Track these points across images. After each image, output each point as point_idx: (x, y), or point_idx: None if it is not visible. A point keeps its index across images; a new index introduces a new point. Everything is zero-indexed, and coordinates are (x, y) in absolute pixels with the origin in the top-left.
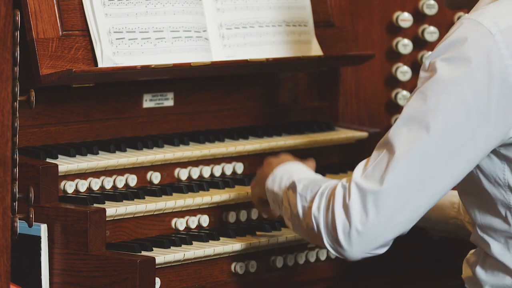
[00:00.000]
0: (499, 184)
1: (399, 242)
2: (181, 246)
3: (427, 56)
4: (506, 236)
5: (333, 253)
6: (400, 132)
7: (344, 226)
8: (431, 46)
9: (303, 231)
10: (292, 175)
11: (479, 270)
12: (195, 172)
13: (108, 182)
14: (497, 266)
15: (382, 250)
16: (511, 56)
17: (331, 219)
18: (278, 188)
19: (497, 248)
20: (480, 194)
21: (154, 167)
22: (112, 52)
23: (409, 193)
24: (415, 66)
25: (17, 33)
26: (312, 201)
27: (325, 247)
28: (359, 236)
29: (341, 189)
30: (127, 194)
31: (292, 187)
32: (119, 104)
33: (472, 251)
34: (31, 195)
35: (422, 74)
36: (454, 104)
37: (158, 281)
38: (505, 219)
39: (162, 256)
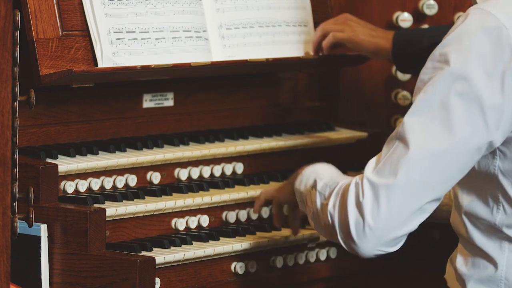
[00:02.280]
0: (490, 176)
1: None
2: (181, 246)
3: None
4: (486, 224)
5: (346, 249)
6: (412, 125)
7: (357, 222)
8: None
9: (321, 228)
10: (318, 174)
11: (460, 265)
12: (195, 172)
13: (108, 182)
14: (479, 255)
15: (394, 248)
16: None
17: (345, 216)
18: (304, 187)
19: (478, 236)
20: (471, 182)
21: (154, 167)
22: (112, 52)
23: (421, 187)
24: None
25: (17, 33)
26: (329, 198)
27: (340, 243)
28: (371, 231)
29: (353, 186)
30: (127, 194)
31: (314, 185)
32: (119, 104)
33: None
34: (31, 195)
35: (430, 64)
36: (467, 99)
37: (158, 281)
38: (491, 209)
39: (162, 256)
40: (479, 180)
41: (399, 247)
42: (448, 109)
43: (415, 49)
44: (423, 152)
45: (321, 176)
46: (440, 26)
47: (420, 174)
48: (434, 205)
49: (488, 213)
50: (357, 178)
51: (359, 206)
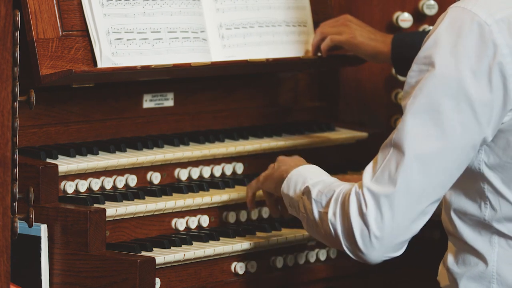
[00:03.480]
0: (475, 172)
1: None
2: (181, 246)
3: (422, 48)
4: (476, 220)
5: (352, 257)
6: (405, 131)
7: (362, 233)
8: None
9: (321, 236)
10: (306, 179)
11: (451, 264)
12: (195, 173)
13: (108, 182)
14: (468, 252)
15: (400, 252)
16: (507, 46)
17: (348, 226)
18: (293, 193)
19: (467, 232)
20: (457, 179)
21: (154, 167)
22: (111, 52)
23: (422, 192)
24: None
25: (17, 33)
26: (327, 206)
27: (344, 252)
28: (378, 241)
29: (354, 196)
30: (127, 194)
31: (307, 192)
32: (119, 104)
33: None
34: (31, 195)
35: (416, 67)
36: (457, 99)
37: (158, 281)
38: (479, 205)
39: (162, 256)
40: (464, 177)
41: (403, 250)
42: (439, 111)
43: (414, 52)
44: (419, 157)
45: (310, 181)
46: None
47: (418, 179)
48: (435, 206)
49: (476, 209)
50: (356, 187)
51: (362, 216)
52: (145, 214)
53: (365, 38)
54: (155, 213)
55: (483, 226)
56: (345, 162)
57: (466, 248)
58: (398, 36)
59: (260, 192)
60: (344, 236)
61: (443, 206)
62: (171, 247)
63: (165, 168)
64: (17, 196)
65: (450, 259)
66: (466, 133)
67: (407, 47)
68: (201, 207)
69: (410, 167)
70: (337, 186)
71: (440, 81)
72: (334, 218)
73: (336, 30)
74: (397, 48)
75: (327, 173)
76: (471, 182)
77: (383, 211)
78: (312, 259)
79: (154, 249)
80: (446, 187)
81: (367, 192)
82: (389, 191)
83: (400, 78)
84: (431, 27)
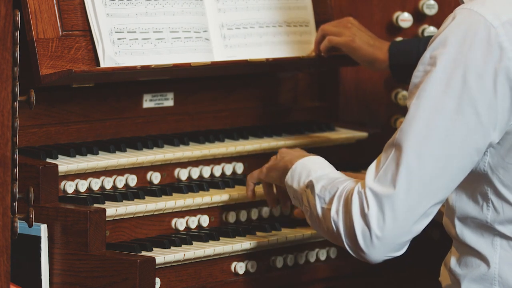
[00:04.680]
0: (480, 174)
1: None
2: (181, 246)
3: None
4: (478, 223)
5: (353, 255)
6: (408, 132)
7: (363, 232)
8: None
9: (323, 231)
10: (310, 172)
11: (454, 265)
12: (195, 172)
13: (108, 182)
14: (471, 254)
15: (401, 252)
16: None
17: (350, 225)
18: (297, 185)
19: (469, 234)
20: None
21: (154, 167)
22: (114, 52)
23: (423, 194)
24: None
25: (17, 33)
26: (330, 203)
27: (345, 248)
28: (379, 241)
29: (356, 195)
30: (127, 194)
31: (310, 186)
32: (119, 104)
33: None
34: (31, 195)
35: (421, 67)
36: (460, 101)
37: (158, 281)
38: (481, 207)
39: (162, 256)
40: (468, 178)
41: (405, 249)
42: (442, 113)
43: (412, 58)
44: (421, 158)
45: (313, 174)
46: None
47: (420, 181)
48: (438, 207)
49: (478, 211)
50: (359, 186)
51: (364, 217)
52: (145, 214)
53: (364, 42)
54: (155, 213)
55: (485, 228)
56: (345, 162)
57: (468, 250)
58: (394, 44)
59: (261, 191)
60: (346, 234)
61: (445, 209)
62: (171, 247)
63: (165, 168)
64: (17, 196)
65: (452, 260)
66: (469, 136)
67: (404, 54)
68: (201, 207)
69: (411, 169)
70: (341, 182)
71: (444, 82)
72: (336, 216)
73: (336, 31)
74: (395, 55)
75: (331, 165)
76: (475, 184)
77: (385, 212)
78: (312, 259)
79: (154, 249)
80: (449, 189)
81: (369, 192)
82: (391, 192)
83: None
84: (431, 27)
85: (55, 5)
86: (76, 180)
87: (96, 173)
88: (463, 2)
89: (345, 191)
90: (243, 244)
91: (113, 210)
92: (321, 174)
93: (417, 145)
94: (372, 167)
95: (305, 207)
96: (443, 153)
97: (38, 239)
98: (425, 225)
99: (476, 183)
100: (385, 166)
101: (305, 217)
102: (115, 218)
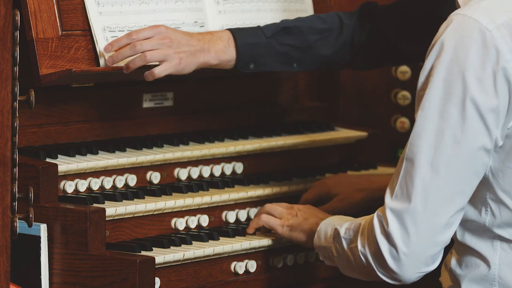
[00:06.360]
0: (483, 178)
1: None
2: (180, 246)
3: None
4: (476, 225)
5: (389, 281)
6: (417, 144)
7: (390, 252)
8: None
9: (356, 271)
10: (334, 224)
11: (454, 266)
12: (194, 172)
13: (107, 182)
14: (471, 254)
15: (434, 265)
16: (510, 51)
17: (376, 249)
18: (325, 240)
19: (469, 237)
20: None
21: (153, 167)
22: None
23: (441, 203)
24: (415, 65)
25: (17, 33)
26: (356, 240)
27: (381, 279)
28: (407, 257)
29: (376, 219)
30: (126, 194)
31: (336, 234)
32: (118, 104)
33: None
34: (30, 195)
35: (423, 78)
36: (464, 107)
37: (158, 281)
38: (479, 211)
39: (162, 256)
40: None
41: (439, 262)
42: (448, 121)
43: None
44: (433, 168)
45: (338, 224)
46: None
47: (436, 190)
48: (460, 216)
49: (476, 215)
50: (377, 211)
51: (387, 235)
52: (144, 214)
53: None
54: (155, 212)
55: (484, 231)
56: (345, 162)
57: (468, 251)
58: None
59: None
60: (375, 261)
61: None
62: (171, 247)
63: (165, 167)
64: (16, 195)
65: (452, 261)
66: (477, 139)
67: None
68: (200, 206)
69: (425, 181)
70: (363, 218)
71: (445, 91)
72: (363, 248)
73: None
74: (245, 54)
75: (350, 217)
76: (477, 189)
77: (407, 227)
78: (312, 259)
79: (153, 248)
80: (466, 194)
81: (388, 211)
82: (409, 206)
83: (400, 77)
84: None
85: (55, 5)
86: (76, 180)
87: (96, 173)
88: (459, 6)
89: (367, 223)
90: (243, 244)
91: (112, 210)
92: (344, 222)
93: (428, 156)
94: (388, 189)
95: (336, 258)
96: (454, 160)
97: (38, 239)
98: (451, 236)
99: (478, 188)
100: (399, 183)
101: (339, 268)
102: (114, 218)
